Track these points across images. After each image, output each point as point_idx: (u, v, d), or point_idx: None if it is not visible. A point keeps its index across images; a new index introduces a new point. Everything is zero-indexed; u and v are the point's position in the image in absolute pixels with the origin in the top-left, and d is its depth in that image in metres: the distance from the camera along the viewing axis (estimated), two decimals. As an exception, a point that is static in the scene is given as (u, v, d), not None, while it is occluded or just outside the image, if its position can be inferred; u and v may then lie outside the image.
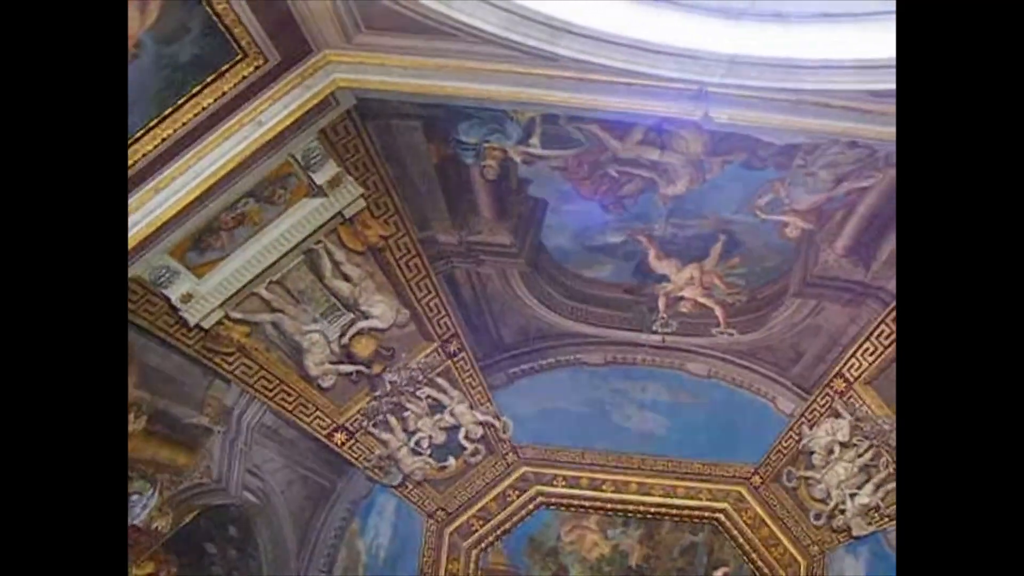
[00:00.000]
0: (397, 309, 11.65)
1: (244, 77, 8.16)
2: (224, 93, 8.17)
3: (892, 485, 12.85)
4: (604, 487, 13.90)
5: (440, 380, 12.67)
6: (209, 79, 7.99)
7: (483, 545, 14.05)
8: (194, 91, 8.00)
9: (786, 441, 13.28)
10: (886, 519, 13.17)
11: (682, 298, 11.84)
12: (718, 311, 12.01)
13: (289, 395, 11.68)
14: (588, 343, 12.74)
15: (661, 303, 11.99)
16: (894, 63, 8.33)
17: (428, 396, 12.70)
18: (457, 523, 13.89)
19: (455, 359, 12.55)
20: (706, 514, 14.06)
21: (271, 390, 11.50)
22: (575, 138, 9.83)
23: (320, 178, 9.79)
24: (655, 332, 12.43)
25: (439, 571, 13.92)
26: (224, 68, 8.00)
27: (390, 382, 12.30)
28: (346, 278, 11.11)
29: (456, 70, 8.62)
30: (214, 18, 7.46)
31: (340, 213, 10.37)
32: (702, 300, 11.85)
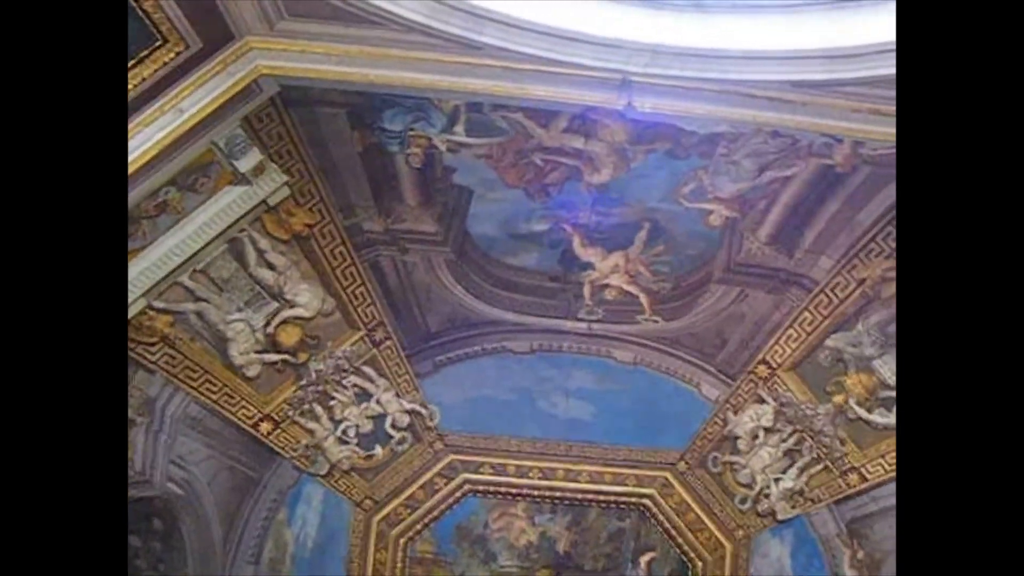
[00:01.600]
0: (322, 298, 11.60)
1: (165, 63, 8.04)
2: (144, 80, 8.04)
3: (815, 469, 13.05)
4: (531, 474, 13.92)
5: (366, 369, 12.62)
6: (128, 65, 7.87)
7: (411, 533, 14.02)
8: (113, 78, 7.89)
9: (711, 427, 13.39)
10: (810, 503, 13.37)
11: (607, 286, 11.91)
12: (643, 298, 12.09)
13: (214, 385, 11.57)
14: (514, 331, 12.77)
15: (586, 291, 12.05)
16: (816, 53, 8.49)
17: (354, 385, 12.66)
18: (385, 512, 13.84)
19: (381, 347, 12.51)
20: (633, 500, 14.13)
21: (196, 380, 11.38)
22: (500, 126, 9.86)
23: (243, 166, 9.71)
24: (581, 320, 12.49)
25: (367, 560, 13.87)
26: (144, 54, 7.87)
27: (316, 371, 12.24)
28: (271, 267, 11.04)
29: (380, 58, 8.59)
30: (133, 3, 7.35)
31: (264, 201, 10.31)
32: (627, 288, 11.92)
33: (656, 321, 12.41)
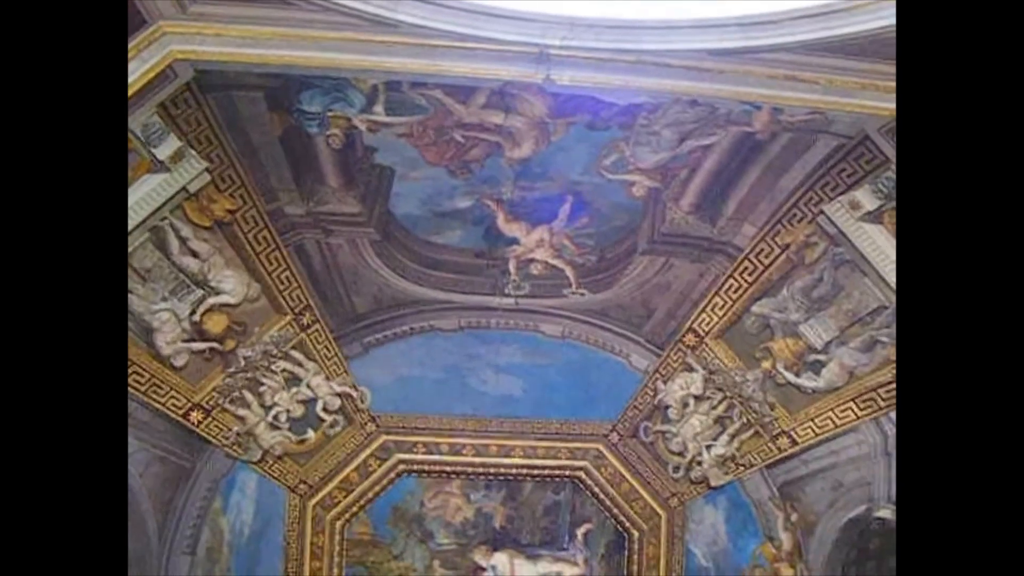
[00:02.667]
0: (247, 283, 11.53)
1: (76, 50, 7.94)
2: (56, 69, 7.94)
3: (746, 435, 13.19)
4: (465, 451, 13.93)
5: (295, 353, 12.56)
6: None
7: (347, 516, 13.99)
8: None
9: (641, 397, 13.48)
10: (742, 468, 13.52)
11: (533, 260, 11.94)
12: (569, 272, 12.14)
13: (141, 376, 11.45)
14: (442, 309, 12.74)
15: (512, 266, 12.07)
16: (732, 21, 8.55)
17: (284, 370, 12.59)
18: (320, 495, 13.79)
19: (309, 331, 12.45)
20: (567, 472, 14.19)
21: (122, 371, 11.27)
22: (419, 104, 9.83)
23: (162, 153, 9.62)
24: (508, 295, 12.51)
25: (304, 544, 13.82)
26: (55, 43, 7.76)
27: (244, 358, 12.15)
28: (194, 254, 10.95)
29: (295, 39, 8.54)
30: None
31: (184, 188, 10.22)
32: (553, 262, 11.96)
33: (583, 294, 12.46)
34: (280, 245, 11.42)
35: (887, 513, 12.31)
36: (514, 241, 11.78)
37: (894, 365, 11.11)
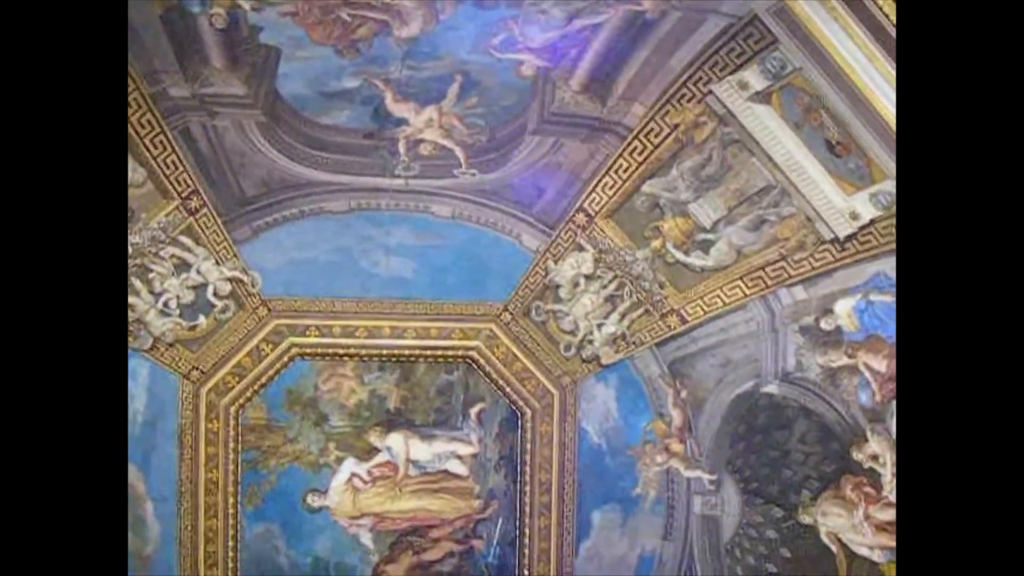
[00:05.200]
0: (132, 168, 11.31)
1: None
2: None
3: (636, 313, 13.37)
4: (357, 333, 13.93)
5: (183, 238, 12.40)
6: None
7: (241, 401, 13.96)
8: None
9: (533, 277, 13.57)
10: (632, 346, 13.75)
11: (422, 141, 11.86)
12: (459, 152, 12.09)
13: (25, 265, 11.22)
14: (331, 191, 12.64)
15: (402, 147, 11.98)
16: None
17: (172, 255, 12.44)
18: (213, 381, 13.72)
19: (197, 216, 12.28)
20: (459, 353, 14.29)
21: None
22: (304, -20, 9.65)
23: (39, 36, 9.30)
24: (398, 176, 12.43)
25: (198, 430, 13.78)
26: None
27: (132, 244, 11.98)
28: (75, 138, 10.68)
29: (173, -86, 8.29)
30: None
31: (62, 70, 9.91)
32: (442, 142, 11.89)
33: (473, 174, 12.43)
34: (165, 129, 11.19)
35: (774, 389, 12.65)
36: (403, 122, 11.67)
37: (781, 244, 11.30)
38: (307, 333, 13.86)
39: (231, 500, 14.02)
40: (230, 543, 14.07)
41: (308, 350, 14.03)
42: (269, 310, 13.53)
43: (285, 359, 13.96)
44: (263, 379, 14.00)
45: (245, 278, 13.03)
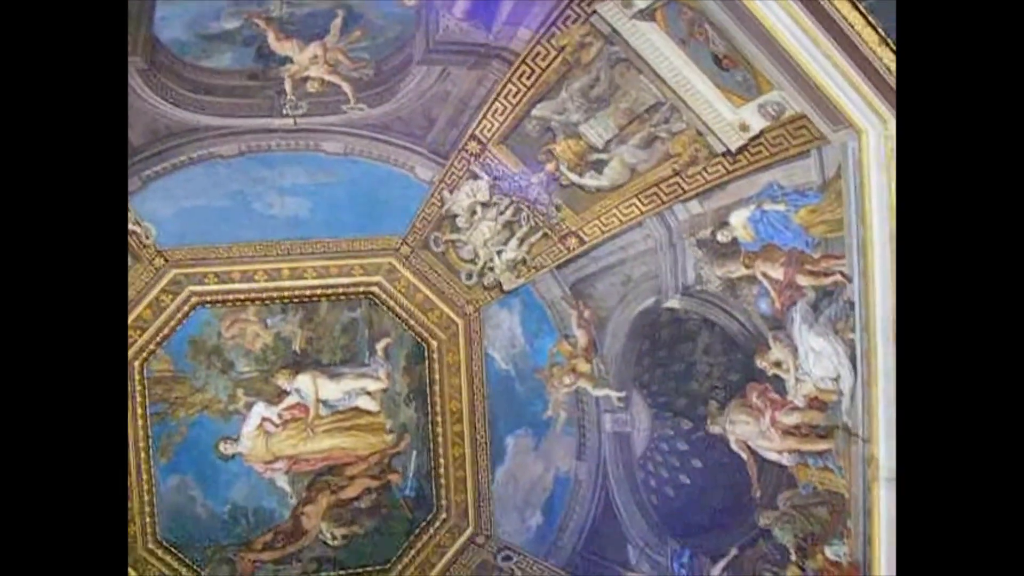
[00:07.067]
0: (10, 124, 11.01)
1: None
2: None
3: (535, 238, 13.43)
4: (257, 277, 13.85)
5: (71, 193, 12.13)
6: None
7: (144, 354, 13.82)
8: None
9: (429, 208, 13.57)
10: (533, 270, 13.84)
11: (308, 78, 11.74)
12: (346, 87, 11.99)
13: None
14: (219, 135, 12.44)
15: (288, 86, 11.84)
16: None
17: (60, 211, 12.18)
18: (114, 336, 13.54)
19: (83, 170, 12.01)
20: (361, 289, 14.31)
21: None
22: (174, -83, 9.45)
23: None
24: (286, 116, 12.28)
25: (103, 386, 13.60)
26: None
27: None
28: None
29: None
30: None
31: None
32: (329, 78, 11.78)
33: (362, 109, 12.33)
34: (40, 80, 10.89)
35: (675, 303, 12.79)
36: (287, 60, 11.54)
37: (674, 159, 11.37)
38: (206, 281, 13.74)
39: (143, 455, 13.92)
40: (145, 497, 13.99)
41: (208, 298, 13.93)
42: (166, 260, 13.36)
43: (186, 308, 13.84)
44: (165, 330, 13.87)
45: (138, 230, 12.83)
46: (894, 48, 7.94)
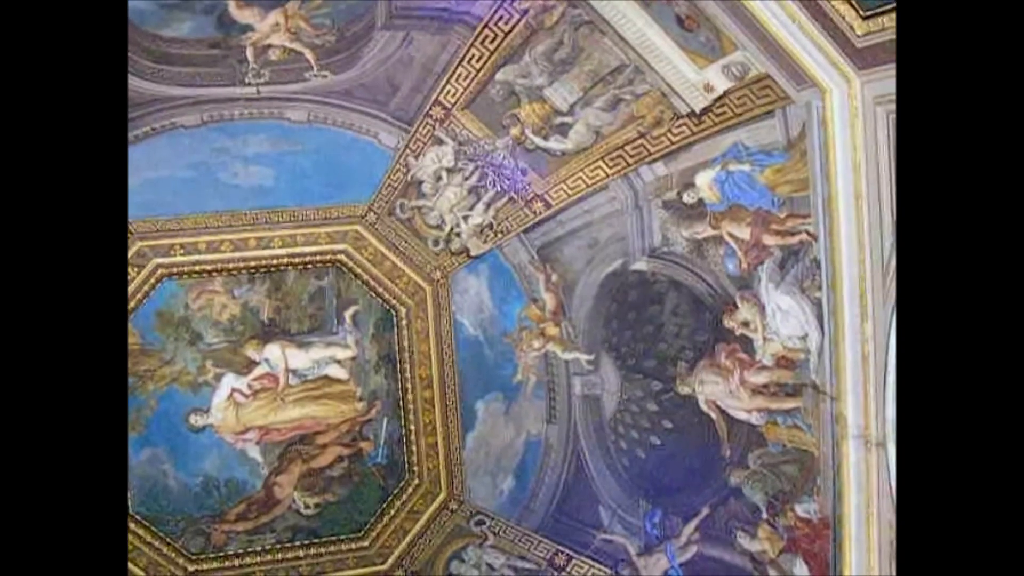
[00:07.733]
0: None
1: None
2: None
3: (501, 202, 13.42)
4: (223, 248, 13.80)
5: (31, 167, 12.02)
6: None
7: (111, 327, 13.73)
8: None
9: (394, 175, 13.54)
10: (500, 235, 13.85)
11: (271, 46, 11.66)
12: (309, 54, 11.91)
13: None
14: (181, 105, 12.36)
15: (250, 54, 11.75)
16: None
17: (22, 186, 12.07)
18: (79, 310, 13.46)
19: (44, 142, 11.90)
20: (327, 257, 14.28)
21: None
22: None
23: None
24: (248, 84, 12.20)
25: (70, 361, 13.53)
26: None
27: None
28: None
29: None
30: None
31: None
32: (291, 45, 11.70)
33: (325, 76, 12.27)
34: (-3, 53, 10.77)
35: (643, 265, 12.82)
36: (249, 28, 11.43)
37: (639, 121, 11.37)
38: (172, 252, 13.67)
39: (113, 428, 13.85)
40: (116, 471, 13.94)
41: (174, 269, 13.86)
42: (131, 232, 13.26)
43: (152, 281, 13.77)
44: (132, 303, 13.79)
45: (102, 201, 12.70)
46: (858, 7, 7.94)
